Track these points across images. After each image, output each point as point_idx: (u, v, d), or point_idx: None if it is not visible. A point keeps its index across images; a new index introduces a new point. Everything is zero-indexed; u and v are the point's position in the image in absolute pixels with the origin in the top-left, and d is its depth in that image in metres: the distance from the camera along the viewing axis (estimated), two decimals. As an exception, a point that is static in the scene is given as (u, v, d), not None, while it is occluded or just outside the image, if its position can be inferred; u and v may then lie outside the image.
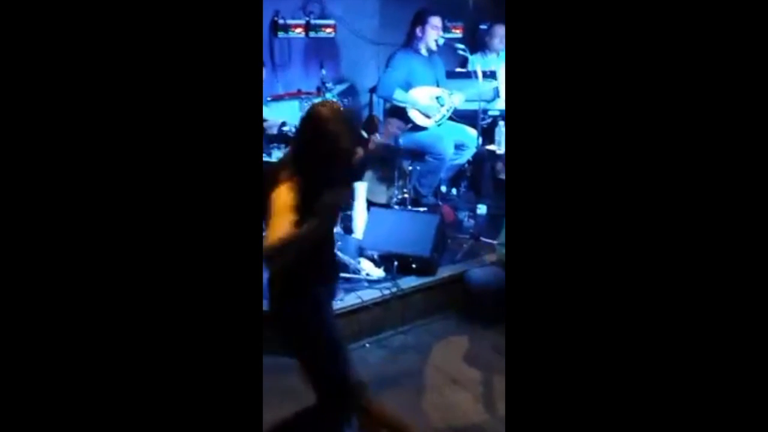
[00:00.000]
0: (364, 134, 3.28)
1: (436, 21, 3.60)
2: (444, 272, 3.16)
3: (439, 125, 3.69)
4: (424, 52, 3.67)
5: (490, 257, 3.26)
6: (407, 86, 3.60)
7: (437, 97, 3.66)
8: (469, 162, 3.96)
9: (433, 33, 3.60)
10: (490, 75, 3.82)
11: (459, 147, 3.78)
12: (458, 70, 4.01)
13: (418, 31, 3.60)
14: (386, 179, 4.01)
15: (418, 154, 3.70)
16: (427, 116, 3.63)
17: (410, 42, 3.67)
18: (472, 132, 3.81)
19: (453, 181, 4.17)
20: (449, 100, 3.67)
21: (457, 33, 4.49)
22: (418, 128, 3.64)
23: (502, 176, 4.30)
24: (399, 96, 3.57)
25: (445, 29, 4.17)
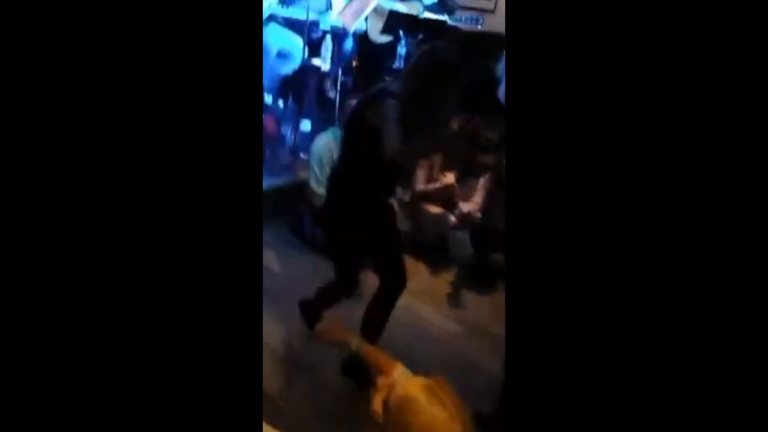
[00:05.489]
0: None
1: None
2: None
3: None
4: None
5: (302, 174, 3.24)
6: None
7: None
8: (294, 73, 3.80)
9: None
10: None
11: (283, 55, 3.59)
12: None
13: None
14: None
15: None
16: None
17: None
18: (298, 41, 3.63)
19: (279, 93, 4.00)
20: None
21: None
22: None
23: (330, 95, 4.24)
24: None
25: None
